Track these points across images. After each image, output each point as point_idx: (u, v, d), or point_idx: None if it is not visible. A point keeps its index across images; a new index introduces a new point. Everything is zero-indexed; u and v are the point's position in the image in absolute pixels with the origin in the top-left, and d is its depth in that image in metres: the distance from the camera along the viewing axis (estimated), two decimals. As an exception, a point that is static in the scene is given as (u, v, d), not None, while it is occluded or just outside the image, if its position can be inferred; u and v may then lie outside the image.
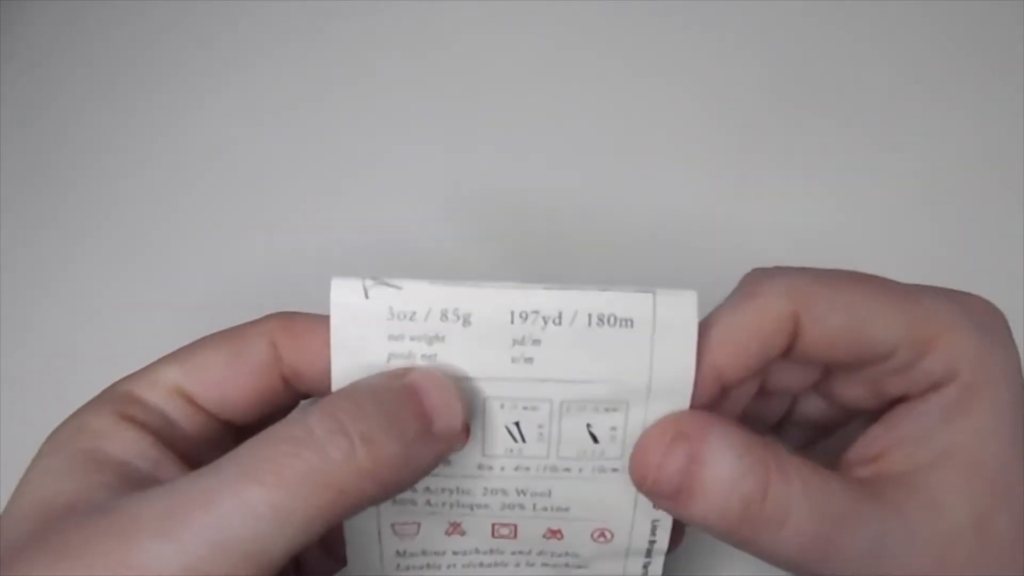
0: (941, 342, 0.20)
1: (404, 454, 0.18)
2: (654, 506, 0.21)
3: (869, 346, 0.20)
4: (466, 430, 0.20)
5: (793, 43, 0.38)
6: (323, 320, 0.20)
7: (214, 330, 0.22)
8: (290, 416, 0.19)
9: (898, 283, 0.21)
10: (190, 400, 0.21)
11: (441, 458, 0.20)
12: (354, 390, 0.19)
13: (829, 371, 0.22)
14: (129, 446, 0.20)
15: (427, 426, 0.19)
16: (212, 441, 0.21)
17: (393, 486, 0.19)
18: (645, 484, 0.20)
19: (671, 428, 0.20)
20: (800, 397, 0.24)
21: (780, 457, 0.20)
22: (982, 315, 0.21)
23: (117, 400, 0.20)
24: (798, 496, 0.19)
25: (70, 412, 0.21)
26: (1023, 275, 0.33)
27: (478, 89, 0.37)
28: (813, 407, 0.24)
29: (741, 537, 0.20)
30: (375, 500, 0.18)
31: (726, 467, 0.19)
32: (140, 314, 0.33)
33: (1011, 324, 0.21)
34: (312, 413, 0.18)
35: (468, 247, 0.33)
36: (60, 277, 0.34)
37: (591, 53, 0.38)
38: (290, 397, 0.22)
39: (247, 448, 0.18)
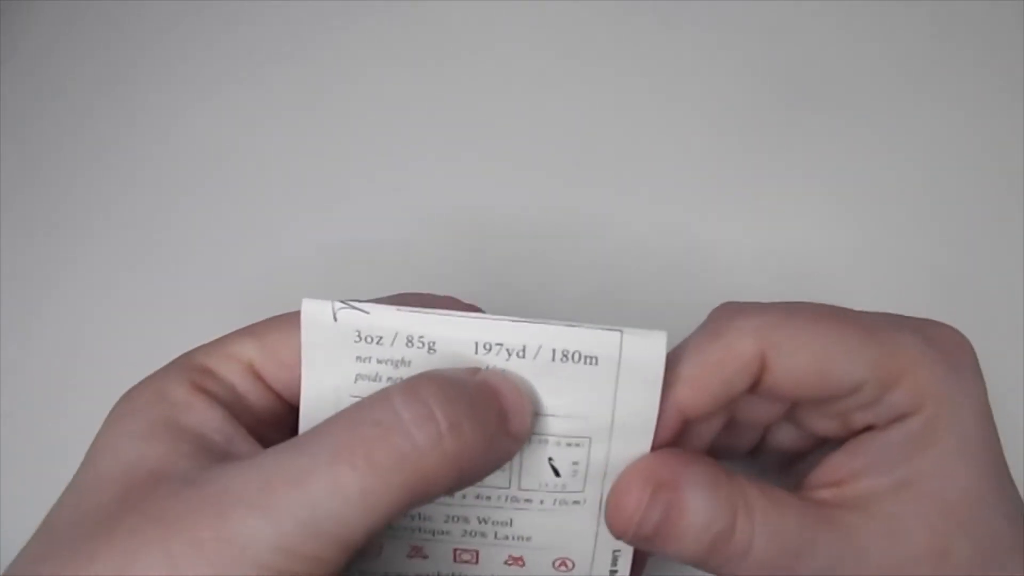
0: (906, 377, 0.20)
1: (487, 446, 0.19)
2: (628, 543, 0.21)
3: (835, 383, 0.20)
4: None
5: (788, 48, 0.37)
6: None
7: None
8: (374, 396, 0.18)
9: (866, 316, 0.21)
10: (260, 378, 0.21)
11: (510, 457, 0.20)
12: (438, 375, 0.19)
13: (797, 406, 0.22)
14: (205, 418, 0.20)
15: (505, 423, 0.19)
16: (275, 420, 0.22)
17: (471, 477, 0.19)
18: (626, 534, 0.20)
19: (649, 478, 0.20)
20: (772, 427, 0.24)
21: (744, 492, 0.20)
22: (949, 347, 0.21)
23: (193, 370, 0.21)
24: (759, 527, 0.20)
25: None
26: (1022, 279, 0.33)
27: (465, 100, 0.37)
28: (784, 436, 0.24)
29: (708, 567, 0.20)
30: (453, 489, 0.19)
31: (700, 513, 0.20)
32: (140, 314, 0.33)
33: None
34: (396, 395, 0.18)
35: (455, 258, 0.34)
36: (61, 278, 0.34)
37: (581, 65, 0.37)
38: None
39: (334, 427, 0.18)
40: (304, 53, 0.38)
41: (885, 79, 0.37)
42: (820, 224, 0.34)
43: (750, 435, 0.24)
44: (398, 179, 0.35)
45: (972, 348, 0.21)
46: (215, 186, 0.36)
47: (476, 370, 0.20)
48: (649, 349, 0.20)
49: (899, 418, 0.20)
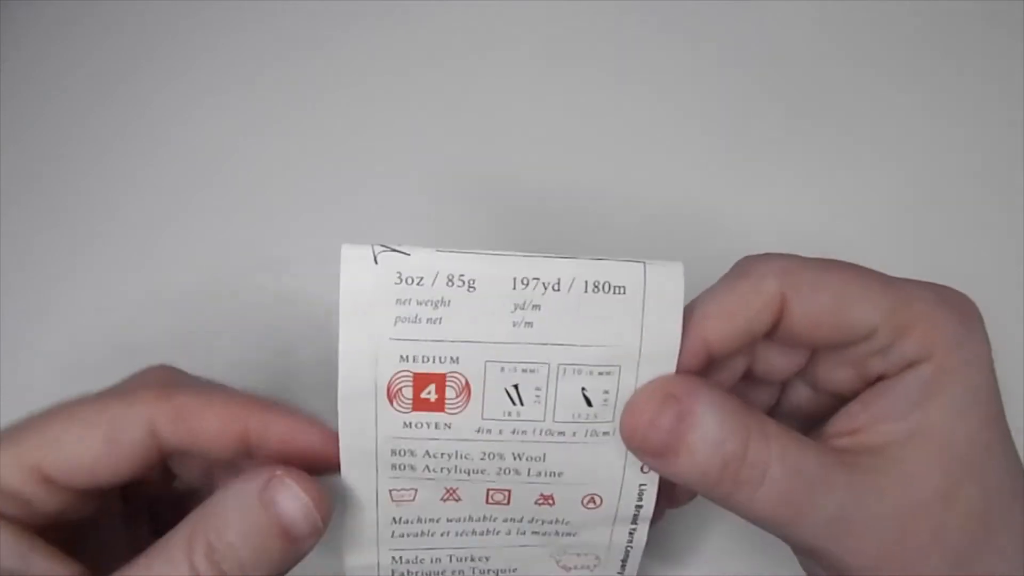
0: (918, 326, 0.21)
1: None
2: (642, 469, 0.23)
3: (850, 326, 0.22)
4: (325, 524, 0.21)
5: (786, 43, 0.39)
6: (202, 397, 0.21)
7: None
8: (166, 554, 0.20)
9: (881, 273, 0.22)
10: (54, 482, 0.21)
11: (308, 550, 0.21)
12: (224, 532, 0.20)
13: (814, 357, 0.24)
14: None
15: (294, 544, 0.21)
16: (81, 506, 0.22)
17: None
18: (635, 440, 0.21)
19: (662, 389, 0.21)
20: (788, 387, 0.25)
21: (761, 421, 0.21)
22: (959, 305, 0.22)
23: None
24: (775, 458, 0.21)
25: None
26: (1018, 274, 0.35)
27: (478, 82, 0.38)
28: (800, 395, 0.25)
29: (720, 493, 0.21)
30: None
31: (711, 428, 0.21)
32: (137, 314, 0.33)
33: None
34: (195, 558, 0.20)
35: (463, 236, 0.35)
36: (61, 279, 0.34)
37: (587, 52, 0.39)
38: (165, 458, 0.22)
39: None
40: (294, 42, 0.39)
41: (882, 73, 0.39)
42: (819, 217, 0.36)
43: (768, 394, 0.25)
44: (394, 159, 0.36)
45: (979, 310, 0.22)
46: (212, 183, 0.36)
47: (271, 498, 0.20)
48: (670, 278, 0.21)
49: (910, 366, 0.21)
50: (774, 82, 0.39)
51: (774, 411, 0.26)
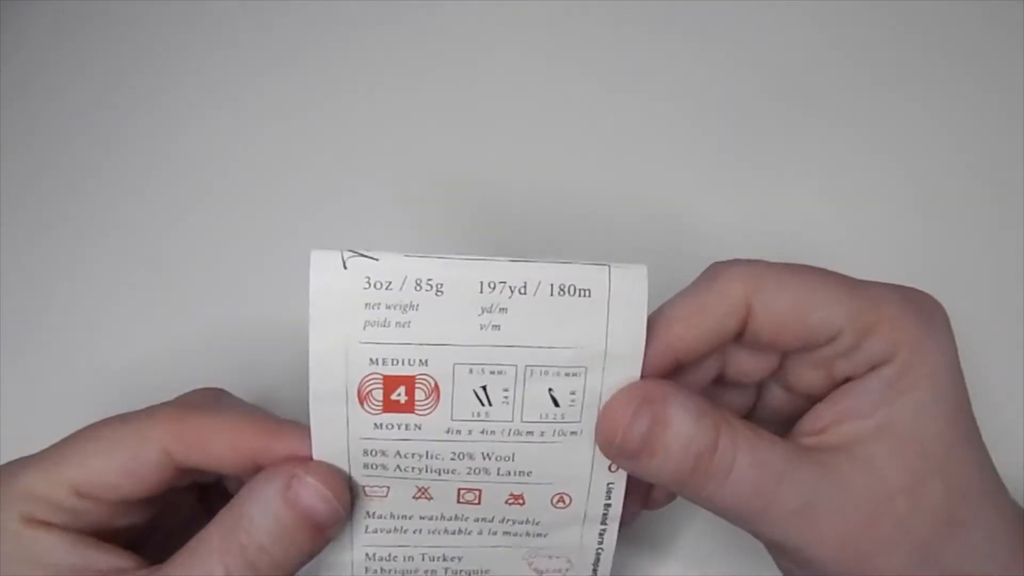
0: (882, 327, 0.22)
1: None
2: (609, 468, 0.23)
3: (814, 329, 0.22)
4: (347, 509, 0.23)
5: (782, 44, 0.40)
6: (214, 419, 0.23)
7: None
8: (201, 557, 0.21)
9: (845, 275, 0.23)
10: (92, 497, 0.22)
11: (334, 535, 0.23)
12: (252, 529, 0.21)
13: (784, 359, 0.24)
14: (48, 548, 0.22)
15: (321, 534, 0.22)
16: (127, 511, 0.23)
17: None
18: (613, 444, 0.22)
19: (637, 394, 0.22)
20: (764, 390, 0.26)
21: (729, 419, 0.22)
22: (923, 305, 0.23)
23: (23, 500, 0.22)
24: (742, 451, 0.21)
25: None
26: (1016, 277, 0.35)
27: (450, 86, 0.39)
28: (776, 397, 0.26)
29: (691, 487, 0.22)
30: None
31: (684, 427, 0.21)
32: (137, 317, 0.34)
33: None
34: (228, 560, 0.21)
35: (441, 238, 0.35)
36: (61, 278, 0.35)
37: (577, 56, 0.39)
38: (190, 475, 0.24)
39: None
40: (287, 48, 0.39)
41: (874, 74, 0.39)
42: (810, 216, 0.36)
43: (744, 397, 0.26)
44: (374, 161, 0.37)
45: (944, 310, 0.23)
46: (209, 187, 0.36)
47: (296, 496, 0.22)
48: (634, 280, 0.22)
49: (875, 366, 0.22)
50: (750, 84, 0.39)
51: (752, 414, 0.26)
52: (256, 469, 0.23)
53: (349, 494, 0.23)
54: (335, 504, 0.22)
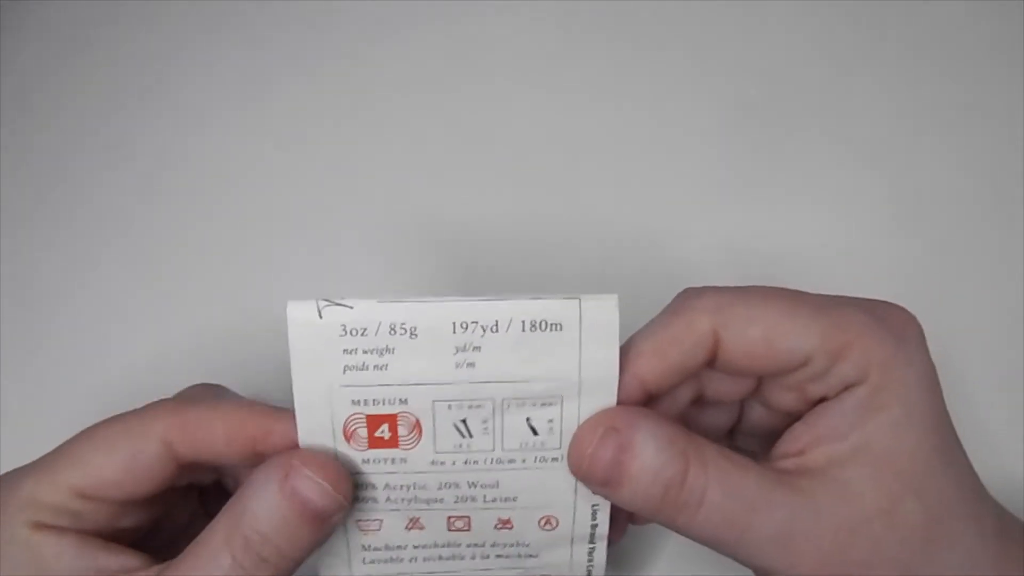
0: (853, 349, 0.22)
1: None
2: (592, 491, 0.24)
3: (784, 357, 0.22)
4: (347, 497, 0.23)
5: (757, 67, 0.39)
6: (211, 411, 0.23)
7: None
8: (210, 552, 0.22)
9: (816, 296, 0.23)
10: (95, 498, 0.23)
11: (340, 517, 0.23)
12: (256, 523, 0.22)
13: (760, 381, 0.24)
14: (58, 552, 0.22)
15: (323, 523, 0.22)
16: (132, 510, 0.24)
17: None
18: (580, 471, 0.23)
19: (604, 421, 0.22)
20: (746, 406, 0.26)
21: (700, 448, 0.22)
22: (895, 323, 0.23)
23: (27, 508, 0.22)
24: (713, 482, 0.22)
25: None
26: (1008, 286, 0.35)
27: (432, 115, 0.39)
28: (758, 414, 0.26)
29: (664, 518, 0.22)
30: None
31: (650, 457, 0.22)
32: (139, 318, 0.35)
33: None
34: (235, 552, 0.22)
35: (419, 264, 0.35)
36: (62, 278, 0.36)
37: (555, 74, 0.39)
38: (191, 471, 0.24)
39: None
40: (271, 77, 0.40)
41: (872, 90, 0.39)
42: (802, 230, 0.36)
43: (727, 414, 0.26)
44: (352, 201, 0.37)
45: (918, 325, 0.23)
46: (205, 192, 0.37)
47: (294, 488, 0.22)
48: (605, 311, 0.22)
49: (848, 387, 0.22)
50: (724, 105, 0.39)
51: (736, 429, 0.27)
52: (256, 457, 0.23)
53: (349, 481, 0.23)
54: (333, 494, 0.22)
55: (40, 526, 0.22)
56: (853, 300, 0.23)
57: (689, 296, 0.23)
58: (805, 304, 0.23)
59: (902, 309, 0.23)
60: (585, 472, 0.22)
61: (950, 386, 0.22)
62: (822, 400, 0.23)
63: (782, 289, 0.23)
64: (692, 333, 0.22)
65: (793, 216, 0.36)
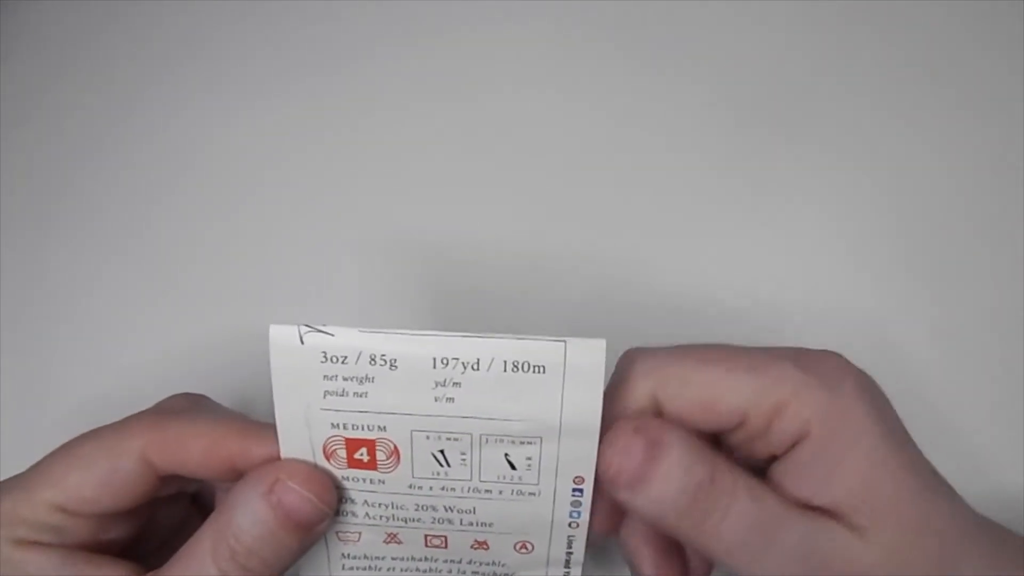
0: (788, 406, 0.22)
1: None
2: (569, 525, 0.24)
3: (721, 416, 0.22)
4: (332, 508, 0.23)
5: (755, 72, 0.37)
6: (193, 424, 0.23)
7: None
8: (196, 562, 0.22)
9: (749, 353, 0.23)
10: (75, 513, 0.23)
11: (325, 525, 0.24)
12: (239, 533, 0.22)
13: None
14: (41, 567, 0.23)
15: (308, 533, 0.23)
16: (109, 524, 0.24)
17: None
18: (610, 470, 0.22)
19: (631, 423, 0.22)
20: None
21: (723, 457, 0.22)
22: (825, 372, 0.22)
23: (8, 525, 0.23)
24: (741, 488, 0.22)
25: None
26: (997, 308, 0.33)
27: (419, 144, 0.37)
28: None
29: (689, 522, 0.22)
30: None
31: (681, 454, 0.22)
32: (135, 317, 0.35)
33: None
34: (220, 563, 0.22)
35: (403, 295, 0.35)
36: (59, 278, 0.36)
37: (528, 114, 0.37)
38: (174, 482, 0.24)
39: None
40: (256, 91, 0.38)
41: (860, 101, 0.37)
42: (800, 247, 0.35)
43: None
44: (333, 221, 0.36)
45: (852, 368, 0.23)
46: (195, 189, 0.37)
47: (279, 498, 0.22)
48: (590, 356, 0.21)
49: (794, 444, 0.22)
50: (742, 113, 0.37)
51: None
52: (235, 473, 0.23)
53: (333, 491, 0.23)
54: (319, 504, 0.23)
55: (22, 543, 0.23)
56: (787, 353, 0.23)
57: (629, 360, 0.23)
58: (738, 363, 0.22)
59: (831, 354, 0.23)
60: (616, 470, 0.22)
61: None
62: (773, 458, 0.23)
63: (719, 347, 0.23)
64: (635, 400, 0.23)
65: (791, 228, 0.35)
